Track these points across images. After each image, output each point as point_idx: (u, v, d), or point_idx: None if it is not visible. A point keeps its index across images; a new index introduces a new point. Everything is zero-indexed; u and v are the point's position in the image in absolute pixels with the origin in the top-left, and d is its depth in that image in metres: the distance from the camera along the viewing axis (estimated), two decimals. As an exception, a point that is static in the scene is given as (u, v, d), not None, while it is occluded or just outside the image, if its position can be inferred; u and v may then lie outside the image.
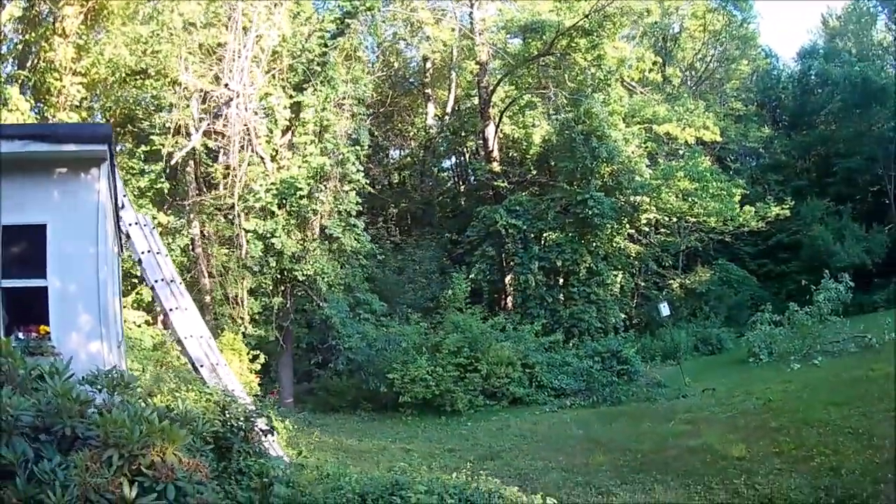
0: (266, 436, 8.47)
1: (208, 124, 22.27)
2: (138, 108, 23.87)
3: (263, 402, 8.85)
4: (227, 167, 23.02)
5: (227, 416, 7.89)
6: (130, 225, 11.03)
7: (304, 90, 22.84)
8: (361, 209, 24.65)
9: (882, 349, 18.50)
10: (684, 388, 20.15)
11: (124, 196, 11.04)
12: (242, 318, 21.81)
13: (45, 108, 20.87)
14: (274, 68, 22.95)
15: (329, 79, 23.01)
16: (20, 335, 8.22)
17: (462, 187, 42.41)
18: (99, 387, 6.12)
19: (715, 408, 15.98)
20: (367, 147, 25.91)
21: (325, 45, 23.00)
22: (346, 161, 23.36)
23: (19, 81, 20.24)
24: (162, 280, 11.01)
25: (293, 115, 23.05)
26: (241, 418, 8.02)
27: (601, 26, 29.37)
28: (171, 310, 10.96)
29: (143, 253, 11.05)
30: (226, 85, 21.61)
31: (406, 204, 39.31)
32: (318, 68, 22.89)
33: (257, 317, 22.13)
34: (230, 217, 22.83)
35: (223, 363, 11.15)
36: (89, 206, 8.84)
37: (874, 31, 48.06)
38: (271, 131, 22.81)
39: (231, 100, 21.79)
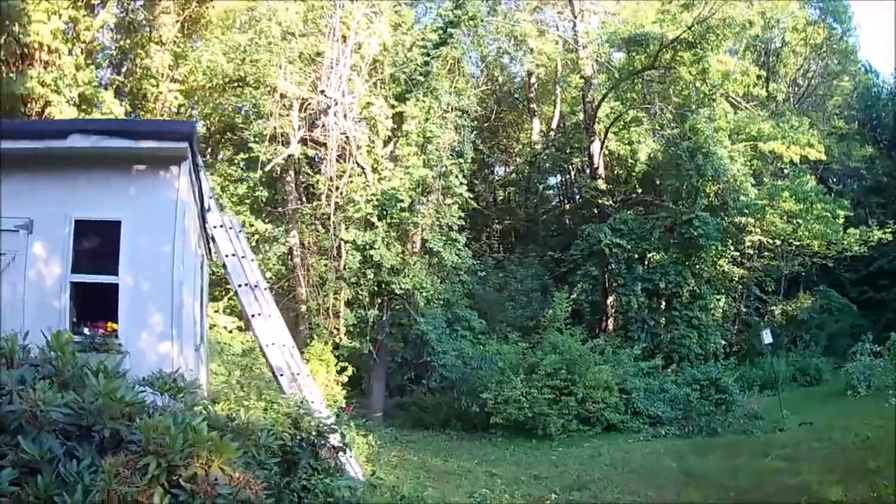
0: (338, 452, 7.93)
1: (304, 132, 22.21)
2: (238, 116, 24.13)
3: (339, 418, 8.28)
4: (330, 178, 23.03)
5: (298, 429, 7.38)
6: (216, 227, 10.81)
7: (406, 100, 22.43)
8: (464, 224, 24.10)
9: None
10: (782, 421, 19.39)
11: (211, 198, 10.82)
12: (337, 329, 21.59)
13: (143, 113, 21.27)
14: (375, 77, 22.71)
15: (432, 89, 22.59)
16: (86, 331, 8.06)
17: (567, 205, 41.81)
18: (157, 390, 5.71)
19: (813, 443, 15.27)
20: (470, 161, 25.43)
21: (428, 55, 22.54)
22: (449, 174, 22.89)
23: (114, 86, 20.69)
24: (246, 285, 10.72)
25: (395, 126, 22.71)
26: (313, 432, 7.50)
27: (704, 38, 28.20)
28: (253, 315, 10.64)
29: (227, 256, 10.79)
30: (322, 91, 21.48)
31: (510, 221, 38.96)
32: (421, 78, 22.48)
33: (352, 328, 21.81)
34: (329, 227, 22.71)
35: (305, 373, 10.76)
36: (167, 204, 8.67)
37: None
38: (372, 141, 22.52)
39: (329, 107, 21.64)
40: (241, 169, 23.43)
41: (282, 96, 22.13)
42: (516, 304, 29.83)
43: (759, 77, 33.58)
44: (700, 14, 27.58)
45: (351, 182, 22.21)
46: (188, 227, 9.09)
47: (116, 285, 8.27)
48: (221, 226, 10.90)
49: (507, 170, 43.10)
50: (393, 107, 22.39)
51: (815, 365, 28.80)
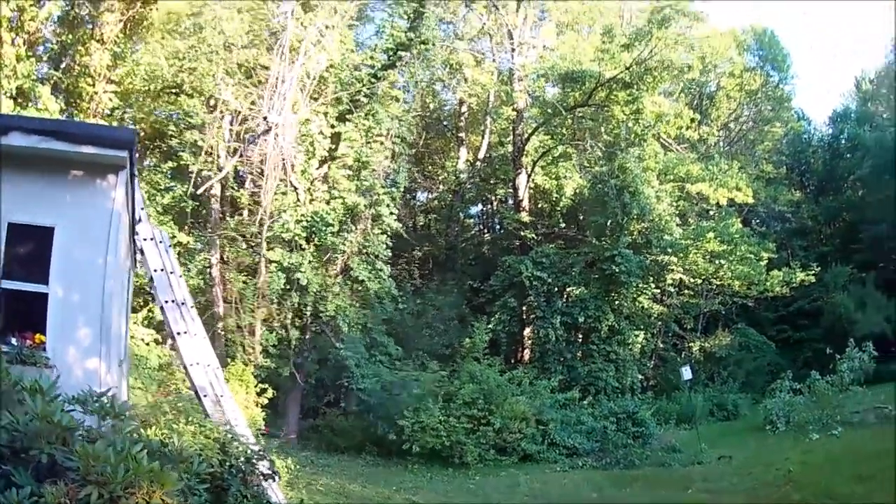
0: (267, 480, 7.76)
1: (241, 154, 21.78)
2: (170, 123, 23.54)
3: (269, 444, 8.12)
4: (253, 194, 22.59)
5: (227, 455, 7.19)
6: (146, 240, 10.47)
7: (346, 121, 22.15)
8: (390, 253, 23.87)
9: None
10: (700, 455, 19.61)
11: (143, 209, 10.48)
12: (254, 349, 21.08)
13: (76, 112, 20.58)
14: (317, 94, 22.27)
15: (374, 112, 22.38)
16: (14, 341, 7.68)
17: (487, 235, 41.95)
18: (89, 410, 5.50)
19: (733, 478, 15.54)
20: (402, 190, 25.22)
21: (375, 77, 22.33)
22: (381, 202, 22.71)
23: (52, 82, 19.99)
24: (172, 301, 10.40)
25: (332, 147, 22.38)
26: (242, 459, 7.32)
27: (641, 79, 28.88)
28: (178, 333, 10.32)
29: (155, 271, 10.46)
30: (265, 118, 21.03)
31: (429, 248, 38.70)
32: (364, 100, 22.23)
33: (272, 349, 21.35)
34: (253, 244, 22.26)
35: (229, 395, 10.47)
36: (102, 214, 8.38)
37: (908, 94, 47.51)
38: (308, 160, 22.13)
39: (269, 129, 21.22)
40: (167, 178, 22.81)
41: (214, 107, 21.73)
42: (433, 332, 29.67)
43: (693, 120, 34.54)
44: (640, 55, 28.27)
45: (276, 200, 21.71)
46: (121, 239, 8.83)
47: (46, 295, 7.92)
48: (152, 238, 10.58)
49: (430, 196, 43.00)
50: (332, 126, 22.05)
51: (732, 400, 29.44)
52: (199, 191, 21.82)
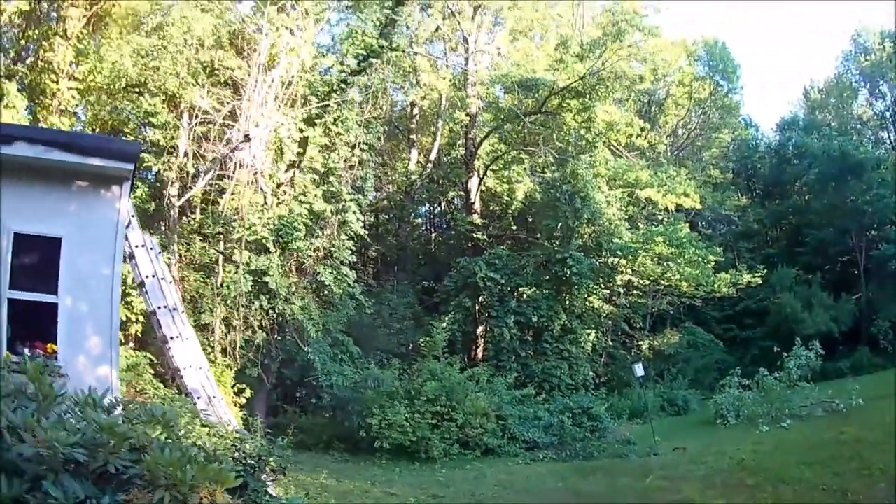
0: (277, 475, 8.12)
1: (215, 169, 21.73)
2: (130, 121, 23.31)
3: (274, 442, 8.47)
4: (204, 192, 22.54)
5: (243, 453, 7.54)
6: (137, 247, 10.68)
7: (314, 125, 22.09)
8: (355, 259, 24.05)
9: (849, 414, 18.81)
10: (655, 447, 20.09)
11: (132, 216, 10.69)
12: (212, 348, 21.10)
13: (38, 109, 20.33)
14: (287, 99, 22.10)
15: (343, 119, 22.47)
16: (26, 351, 7.84)
17: (434, 235, 42.39)
18: (136, 421, 5.80)
19: (689, 466, 16.00)
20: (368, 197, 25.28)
21: (345, 82, 22.33)
22: (348, 209, 22.81)
23: (17, 78, 19.73)
24: (164, 307, 10.64)
25: (300, 151, 22.32)
26: (255, 456, 7.68)
27: (594, 89, 29.64)
28: (171, 338, 10.55)
29: (146, 277, 10.67)
30: (246, 136, 20.84)
31: (380, 248, 38.85)
32: (334, 105, 22.22)
33: (241, 351, 21.37)
34: (213, 243, 22.26)
35: (220, 396, 10.74)
36: (108, 224, 8.63)
37: (855, 105, 49.63)
38: (276, 163, 22.19)
39: (248, 140, 21.00)
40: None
41: (177, 107, 21.64)
42: (389, 331, 29.93)
43: (643, 129, 35.45)
44: (594, 66, 29.00)
45: (234, 201, 21.68)
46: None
47: (55, 305, 8.12)
48: (143, 245, 10.79)
49: (379, 195, 43.08)
50: (301, 130, 21.96)
51: (682, 396, 30.38)
52: (178, 202, 21.64)
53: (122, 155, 8.63)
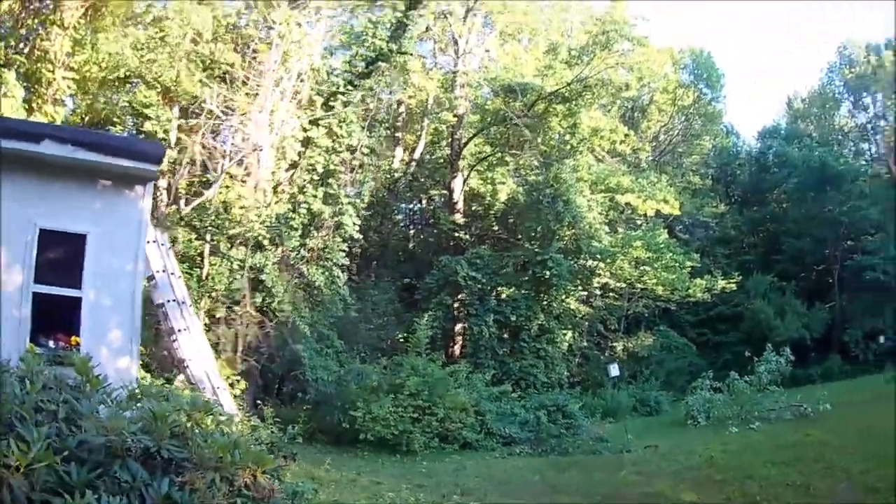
0: (288, 461, 8.61)
1: (224, 172, 21.88)
2: (122, 113, 23.48)
3: (286, 431, 8.95)
4: (191, 183, 22.74)
5: (257, 442, 8.01)
6: (148, 242, 11.04)
7: (318, 125, 22.33)
8: (347, 261, 24.34)
9: (817, 418, 19.46)
10: (627, 444, 20.63)
11: (144, 211, 11.06)
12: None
13: (34, 98, 20.46)
14: (293, 97, 22.32)
15: (347, 121, 22.70)
16: (51, 343, 8.20)
17: (415, 233, 42.77)
18: (181, 411, 6.24)
19: (661, 462, 16.50)
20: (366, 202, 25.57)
21: (351, 84, 22.65)
22: (345, 213, 23.07)
23: (15, 67, 19.86)
24: (173, 300, 11.05)
25: (302, 150, 22.52)
26: (269, 443, 8.15)
27: (580, 95, 30.25)
28: (179, 330, 10.98)
29: (157, 272, 11.08)
30: (257, 147, 21.15)
31: (362, 243, 39.01)
32: (340, 107, 22.45)
33: (229, 346, 21.66)
34: (200, 234, 22.52)
35: (224, 387, 11.18)
36: (132, 222, 8.96)
37: (837, 116, 50.46)
38: (278, 161, 22.39)
39: (257, 150, 21.23)
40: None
41: (170, 99, 21.85)
42: (371, 327, 30.17)
43: (626, 136, 36.07)
44: (581, 73, 29.62)
45: (222, 193, 21.96)
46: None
47: (79, 299, 8.47)
48: (154, 241, 11.19)
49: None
50: (305, 130, 22.24)
51: (654, 397, 31.05)
52: (191, 205, 21.92)
53: (147, 156, 8.95)
